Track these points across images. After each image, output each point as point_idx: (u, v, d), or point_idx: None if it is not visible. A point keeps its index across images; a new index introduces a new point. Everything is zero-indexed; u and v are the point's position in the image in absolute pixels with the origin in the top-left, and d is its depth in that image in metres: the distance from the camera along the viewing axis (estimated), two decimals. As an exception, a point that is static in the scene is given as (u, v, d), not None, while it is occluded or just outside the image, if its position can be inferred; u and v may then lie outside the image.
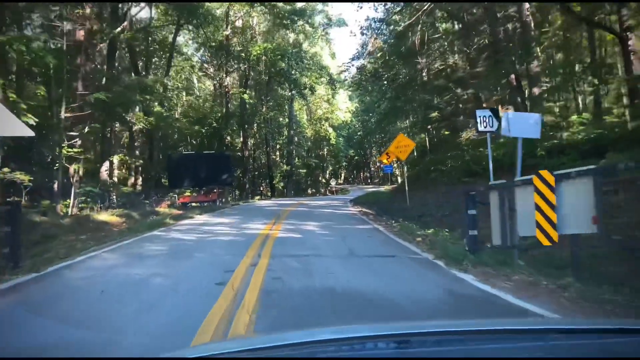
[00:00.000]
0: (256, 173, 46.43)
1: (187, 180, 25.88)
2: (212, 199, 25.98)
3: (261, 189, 46.93)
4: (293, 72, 35.99)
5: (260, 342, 1.50)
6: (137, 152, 31.92)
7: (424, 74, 32.52)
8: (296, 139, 55.12)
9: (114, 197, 22.64)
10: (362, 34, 26.84)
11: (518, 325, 1.76)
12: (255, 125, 39.63)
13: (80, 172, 19.77)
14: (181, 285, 5.67)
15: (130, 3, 22.79)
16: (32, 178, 15.74)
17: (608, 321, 2.92)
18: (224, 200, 35.50)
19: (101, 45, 22.06)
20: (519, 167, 7.38)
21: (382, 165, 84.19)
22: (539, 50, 13.63)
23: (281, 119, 48.80)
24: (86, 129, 18.95)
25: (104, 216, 16.77)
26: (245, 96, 36.41)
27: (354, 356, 1.36)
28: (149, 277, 6.08)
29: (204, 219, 15.67)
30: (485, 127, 10.24)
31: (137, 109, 24.60)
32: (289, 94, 45.13)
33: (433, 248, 8.35)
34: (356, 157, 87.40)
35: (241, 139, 39.11)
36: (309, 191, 62.17)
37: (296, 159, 55.14)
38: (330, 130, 56.08)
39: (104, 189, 21.89)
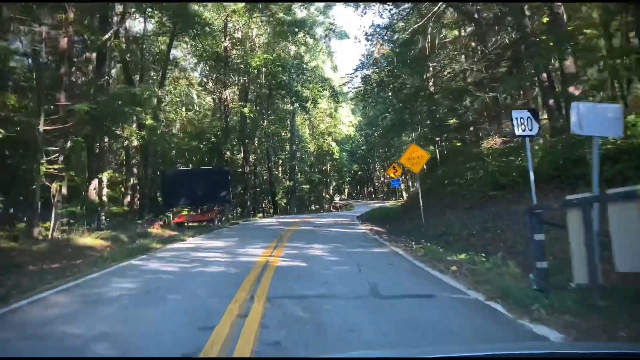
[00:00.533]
0: (258, 189, 44.59)
1: (183, 199, 24.00)
2: (209, 219, 24.07)
3: (263, 205, 45.03)
4: (294, 84, 34.36)
5: None
6: (134, 170, 30.27)
7: (431, 83, 30.85)
8: (299, 154, 53.38)
9: (103, 217, 20.80)
10: (367, 39, 25.10)
11: (539, 349, 1.85)
12: (256, 139, 37.89)
13: (64, 191, 17.96)
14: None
15: (119, 10, 21.18)
16: (2, 198, 13.99)
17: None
18: (223, 218, 33.62)
19: (90, 55, 20.45)
20: (596, 177, 5.46)
21: (388, 180, 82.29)
22: (573, 45, 11.87)
23: (283, 134, 47.11)
24: (68, 144, 17.16)
25: (88, 240, 14.90)
26: (246, 110, 34.71)
27: None
28: (87, 343, 4.14)
29: (196, 242, 13.75)
30: (523, 131, 8.42)
31: (131, 122, 22.91)
32: (291, 107, 43.55)
33: (478, 282, 6.39)
34: (359, 172, 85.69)
35: (242, 154, 37.37)
36: (313, 207, 60.26)
37: (299, 174, 53.35)
38: (334, 144, 54.37)
39: (92, 209, 20.07)
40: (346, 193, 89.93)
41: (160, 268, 8.69)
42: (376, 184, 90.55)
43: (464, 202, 15.37)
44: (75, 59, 18.66)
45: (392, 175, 32.82)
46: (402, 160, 18.03)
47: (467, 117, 23.68)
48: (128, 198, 28.65)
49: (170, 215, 23.12)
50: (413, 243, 11.47)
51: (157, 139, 24.33)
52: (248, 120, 36.57)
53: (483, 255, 8.95)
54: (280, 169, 54.05)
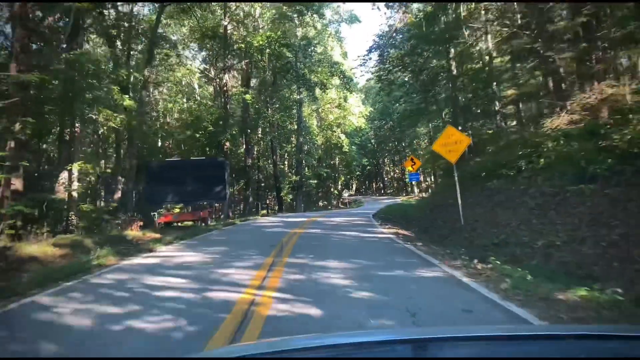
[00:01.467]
0: (262, 184, 40.92)
1: (171, 195, 20.36)
2: (201, 218, 20.42)
3: (267, 202, 41.37)
4: (301, 67, 30.57)
5: (277, 346, 1.48)
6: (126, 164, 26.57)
7: (453, 65, 26.98)
8: (306, 147, 49.63)
9: (74, 217, 17.22)
10: (388, 7, 21.24)
11: (533, 331, 1.84)
12: (259, 130, 34.14)
13: (18, 185, 14.36)
14: None
15: None
16: None
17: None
18: (222, 215, 29.96)
19: (51, 20, 16.83)
20: None
21: (398, 175, 78.07)
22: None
23: (289, 125, 43.36)
24: (17, 125, 13.54)
25: (38, 247, 11.33)
26: (247, 97, 30.98)
27: (372, 356, 1.34)
28: None
29: (166, 255, 10.05)
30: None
31: (110, 103, 19.23)
32: (297, 97, 39.78)
33: None
34: (368, 167, 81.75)
35: (244, 145, 33.69)
36: (320, 203, 56.52)
37: (306, 168, 49.59)
38: (343, 137, 50.52)
39: (58, 208, 16.55)
40: (354, 188, 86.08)
41: (59, 318, 4.98)
42: (385, 179, 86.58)
43: (521, 199, 11.56)
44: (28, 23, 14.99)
45: (410, 168, 29.00)
46: (435, 148, 14.24)
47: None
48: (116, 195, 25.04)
49: (155, 214, 19.46)
50: (475, 261, 7.69)
51: (139, 126, 20.66)
52: (250, 109, 32.88)
53: (618, 291, 5.25)
54: (286, 162, 50.36)
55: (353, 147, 56.40)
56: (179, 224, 20.68)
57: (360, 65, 29.92)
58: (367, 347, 1.39)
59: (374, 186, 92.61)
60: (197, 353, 1.58)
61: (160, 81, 28.17)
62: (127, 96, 17.74)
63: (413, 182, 34.81)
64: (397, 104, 46.45)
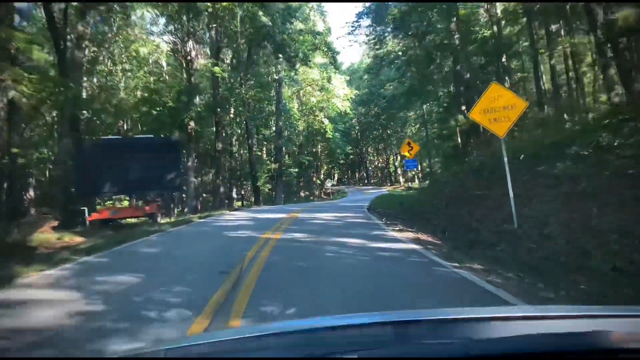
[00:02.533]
0: (238, 172, 35.99)
1: (109, 184, 15.42)
2: (148, 214, 15.55)
3: (242, 193, 36.45)
4: (279, 34, 25.65)
5: (251, 331, 1.43)
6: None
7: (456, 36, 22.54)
8: (286, 132, 44.76)
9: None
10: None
11: (511, 312, 1.74)
12: (232, 109, 29.12)
13: None
14: None
15: None
16: None
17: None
18: (186, 210, 25.04)
19: None
20: None
21: (381, 164, 73.54)
22: None
23: (267, 107, 38.41)
24: None
25: None
26: (217, 69, 26.00)
27: (351, 341, 1.27)
28: None
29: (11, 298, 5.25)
30: None
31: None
32: (276, 75, 34.84)
33: None
34: (351, 156, 77.09)
35: (213, 127, 28.73)
36: (302, 194, 51.81)
37: (286, 156, 44.79)
38: (326, 122, 45.76)
39: None
40: (336, 178, 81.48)
41: None
42: (370, 168, 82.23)
43: (630, 189, 7.11)
44: None
45: (406, 154, 24.44)
46: (474, 116, 9.62)
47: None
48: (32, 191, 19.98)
49: (85, 209, 14.49)
50: None
51: (73, 97, 15.53)
52: (221, 84, 27.88)
53: None
54: (264, 149, 45.38)
55: (337, 133, 51.64)
56: (121, 222, 15.78)
57: (349, 33, 25.12)
58: (342, 330, 1.32)
59: (357, 176, 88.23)
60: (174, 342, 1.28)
61: (101, 40, 22.81)
62: (37, 47, 12.67)
63: (408, 171, 30.03)
64: (388, 85, 41.91)
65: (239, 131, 33.47)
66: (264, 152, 44.94)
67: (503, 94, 9.14)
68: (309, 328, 1.39)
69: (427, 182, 31.93)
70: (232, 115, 30.03)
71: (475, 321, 1.43)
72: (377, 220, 13.38)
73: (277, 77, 35.80)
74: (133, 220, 16.45)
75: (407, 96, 31.04)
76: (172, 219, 16.71)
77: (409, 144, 24.35)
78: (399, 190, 56.17)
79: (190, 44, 24.92)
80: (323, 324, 1.47)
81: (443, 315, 1.54)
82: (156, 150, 15.74)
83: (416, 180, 65.21)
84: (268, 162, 40.84)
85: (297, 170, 44.84)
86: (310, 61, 28.97)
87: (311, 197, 51.54)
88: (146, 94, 24.65)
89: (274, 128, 41.47)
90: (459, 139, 20.71)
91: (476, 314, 1.55)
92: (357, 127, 65.24)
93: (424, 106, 33.17)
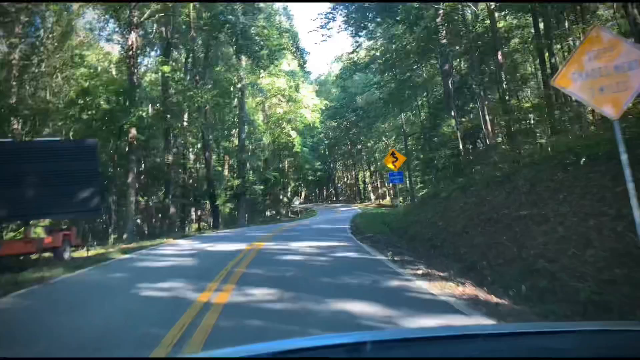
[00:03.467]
0: (194, 190, 31.24)
1: (-8, 205, 10.71)
2: (48, 247, 10.91)
3: (199, 214, 31.67)
4: (240, 25, 21.52)
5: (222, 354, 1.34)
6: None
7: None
8: (250, 145, 40.41)
9: None
10: None
11: (467, 331, 1.66)
12: (185, 116, 24.62)
13: None
14: None
15: None
16: None
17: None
18: (125, 236, 20.21)
19: None
20: None
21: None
22: None
23: (229, 118, 34.06)
24: None
25: None
26: (165, 68, 21.67)
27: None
28: None
29: None
30: None
31: None
32: (238, 82, 30.69)
33: None
34: (319, 172, 73.00)
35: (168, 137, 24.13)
36: (268, 213, 47.24)
37: (250, 172, 40.37)
38: (294, 134, 41.70)
39: None
40: (303, 196, 77.17)
41: None
42: (339, 184, 78.44)
43: None
44: None
45: (390, 165, 20.60)
46: (560, 83, 5.68)
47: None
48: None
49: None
50: None
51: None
52: (173, 87, 23.45)
53: None
54: (226, 165, 40.74)
55: (305, 148, 47.58)
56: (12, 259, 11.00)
57: (322, 27, 21.29)
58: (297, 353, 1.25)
59: (325, 193, 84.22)
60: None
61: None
62: None
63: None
64: (359, 98, 38.27)
65: (196, 142, 28.92)
66: (226, 167, 40.32)
67: (615, 44, 5.27)
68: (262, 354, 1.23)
69: (411, 198, 28.18)
70: (185, 123, 25.49)
71: (431, 340, 1.37)
72: (375, 253, 9.25)
73: (239, 85, 31.66)
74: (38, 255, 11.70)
75: (385, 103, 27.44)
76: (91, 252, 12.09)
77: (393, 154, 20.53)
78: (372, 207, 52.50)
79: (133, 36, 20.46)
80: (280, 348, 1.29)
81: (401, 336, 1.51)
82: (63, 158, 11.15)
83: (387, 197, 61.82)
84: (231, 178, 36.25)
85: (262, 187, 40.38)
86: (277, 59, 24.89)
87: (278, 217, 47.06)
88: (72, 92, 19.88)
89: (236, 141, 37.15)
90: (461, 145, 17.00)
91: (432, 334, 1.52)
92: (326, 142, 61.49)
93: (402, 115, 29.59)
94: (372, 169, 67.71)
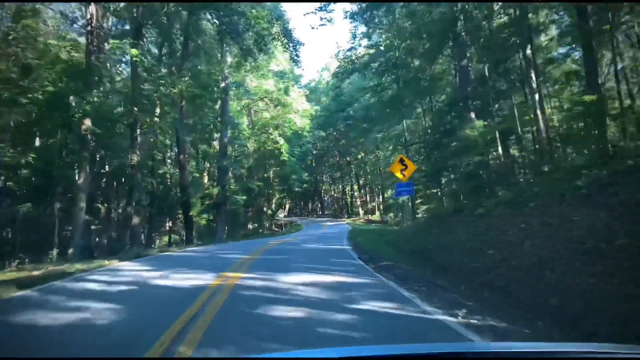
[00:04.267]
0: (167, 198, 27.25)
1: None
2: None
3: (169, 225, 27.65)
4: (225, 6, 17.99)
5: None
6: None
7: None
8: (233, 152, 36.69)
9: None
10: None
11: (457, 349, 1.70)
12: (157, 108, 20.79)
13: None
14: None
15: None
16: None
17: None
18: (73, 250, 16.22)
19: None
20: None
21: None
22: None
23: (209, 119, 30.29)
24: None
25: None
26: (134, 51, 18.00)
27: None
28: None
29: None
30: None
31: None
32: (221, 80, 27.13)
33: None
34: (305, 185, 69.06)
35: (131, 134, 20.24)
36: (250, 226, 43.26)
37: (232, 180, 36.50)
38: (281, 141, 38.06)
39: None
40: (287, 209, 73.12)
41: None
42: (325, 198, 74.72)
43: None
44: None
45: (398, 174, 17.09)
46: None
47: None
48: None
49: None
50: None
51: None
52: (146, 77, 19.77)
53: None
54: (206, 172, 36.79)
55: (292, 157, 43.90)
56: None
57: (321, 9, 17.86)
58: None
59: (310, 206, 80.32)
60: None
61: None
62: None
63: (400, 199, 22.29)
64: (360, 97, 34.77)
65: (165, 141, 25.08)
66: (206, 174, 36.38)
67: None
68: None
69: (412, 214, 24.70)
70: (157, 119, 21.67)
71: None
72: (421, 301, 5.59)
73: (223, 85, 28.05)
74: None
75: (385, 106, 24.09)
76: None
77: (401, 161, 17.03)
78: (361, 223, 48.85)
79: (93, 7, 16.71)
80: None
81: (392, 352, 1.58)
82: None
83: (377, 213, 58.23)
84: (211, 186, 32.30)
85: (244, 197, 36.52)
86: (265, 46, 21.28)
87: (260, 230, 43.12)
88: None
89: (218, 146, 33.33)
90: (500, 150, 13.56)
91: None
92: (314, 152, 57.98)
93: (404, 121, 26.22)
94: (360, 182, 64.23)
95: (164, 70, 21.57)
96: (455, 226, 12.41)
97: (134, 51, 18.11)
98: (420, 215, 23.10)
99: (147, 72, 19.07)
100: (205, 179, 34.95)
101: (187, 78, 21.45)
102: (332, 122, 51.62)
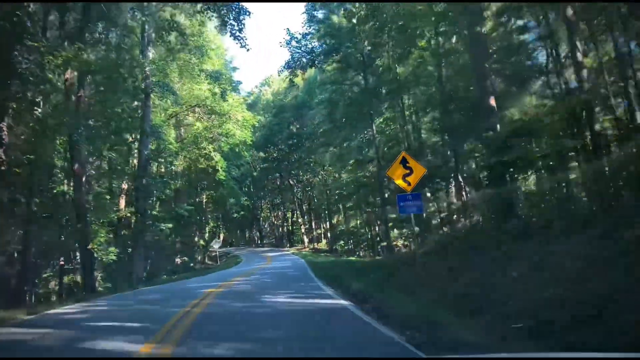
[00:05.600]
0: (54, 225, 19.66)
1: None
2: None
3: (61, 264, 19.90)
4: None
5: None
6: None
7: None
8: (159, 170, 29.55)
9: None
10: None
11: None
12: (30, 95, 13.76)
13: None
14: None
15: None
16: None
17: None
18: None
19: None
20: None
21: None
22: None
23: (126, 124, 23.24)
24: None
25: None
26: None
27: None
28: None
29: None
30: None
31: None
32: (143, 85, 20.62)
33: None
34: (242, 212, 61.54)
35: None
36: (178, 260, 35.58)
37: (156, 203, 29.23)
38: (217, 157, 31.43)
39: None
40: (222, 238, 65.01)
41: None
42: (264, 225, 67.73)
43: None
44: None
45: (400, 182, 10.93)
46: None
47: None
48: None
49: None
50: None
51: None
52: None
53: None
54: (123, 195, 29.04)
55: (231, 180, 37.20)
56: None
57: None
58: None
59: (247, 235, 72.84)
60: None
61: None
62: None
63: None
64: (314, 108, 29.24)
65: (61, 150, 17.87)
66: (123, 197, 28.62)
67: None
68: None
69: (387, 239, 19.09)
70: (37, 113, 14.57)
71: None
72: None
73: (143, 85, 21.47)
74: None
75: (357, 103, 18.70)
76: None
77: (404, 160, 11.29)
78: (307, 252, 42.73)
79: None
80: None
81: None
82: None
83: (323, 241, 52.36)
84: (130, 213, 24.75)
85: (171, 225, 29.28)
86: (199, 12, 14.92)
87: (192, 264, 35.65)
88: None
89: (135, 160, 26.18)
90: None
91: None
92: (254, 174, 51.48)
93: (374, 125, 20.91)
94: (304, 207, 58.18)
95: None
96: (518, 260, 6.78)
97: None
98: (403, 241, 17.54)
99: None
100: (122, 203, 27.38)
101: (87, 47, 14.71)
102: (273, 141, 45.74)
